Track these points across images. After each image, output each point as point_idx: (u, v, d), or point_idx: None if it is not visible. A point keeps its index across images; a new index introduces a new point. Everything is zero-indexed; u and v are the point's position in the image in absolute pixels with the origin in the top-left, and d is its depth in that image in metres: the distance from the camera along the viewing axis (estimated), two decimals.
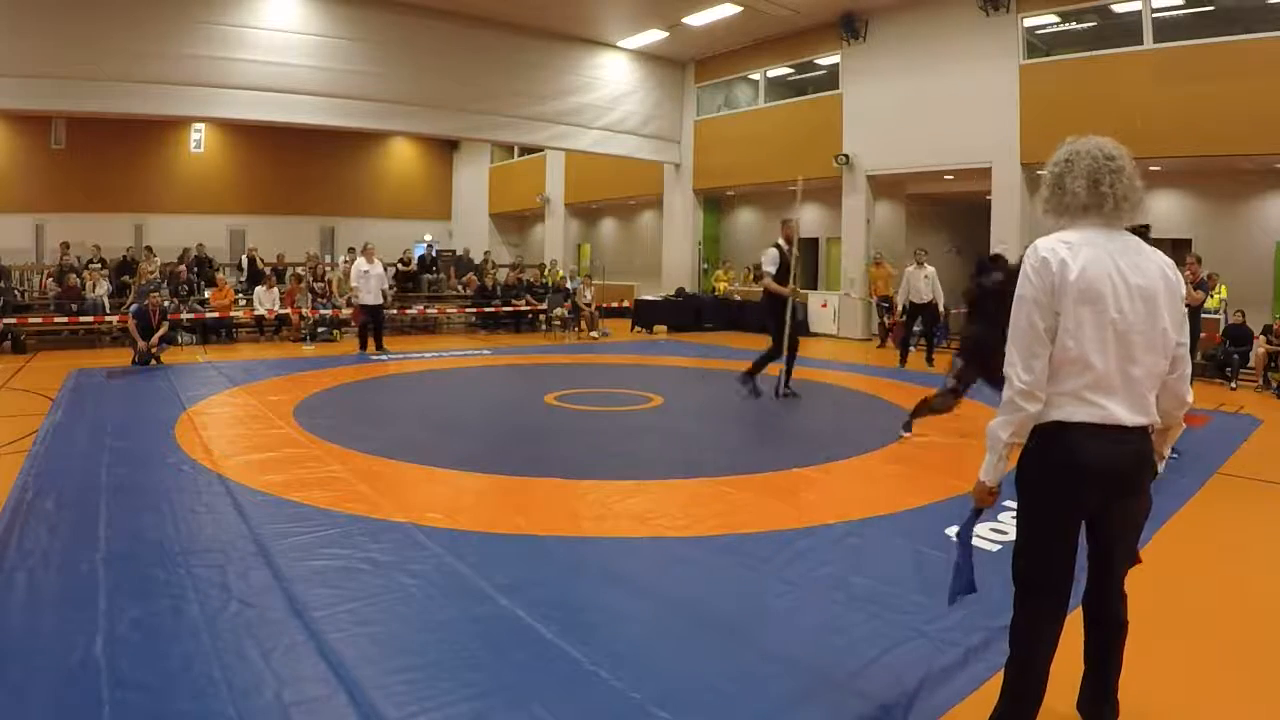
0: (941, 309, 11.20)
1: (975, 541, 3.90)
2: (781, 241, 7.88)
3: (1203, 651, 2.94)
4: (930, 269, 10.97)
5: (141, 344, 10.06)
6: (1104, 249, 1.99)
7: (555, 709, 2.43)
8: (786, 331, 7.75)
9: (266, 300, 13.59)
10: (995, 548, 3.89)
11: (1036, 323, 1.99)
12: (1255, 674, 2.79)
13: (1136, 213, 2.03)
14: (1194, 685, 2.70)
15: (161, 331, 10.39)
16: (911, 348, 11.16)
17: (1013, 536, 2.79)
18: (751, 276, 16.76)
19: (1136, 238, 2.05)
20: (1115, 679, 2.24)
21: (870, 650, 2.83)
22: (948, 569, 3.58)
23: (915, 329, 11.28)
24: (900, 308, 11.37)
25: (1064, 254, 1.98)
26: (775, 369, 8.01)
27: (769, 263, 7.82)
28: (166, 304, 11.40)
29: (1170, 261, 2.06)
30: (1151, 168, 12.39)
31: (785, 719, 2.44)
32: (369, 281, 11.78)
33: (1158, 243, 2.34)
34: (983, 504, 2.20)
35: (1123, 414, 1.98)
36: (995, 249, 5.93)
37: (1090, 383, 1.97)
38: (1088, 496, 2.02)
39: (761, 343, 8.12)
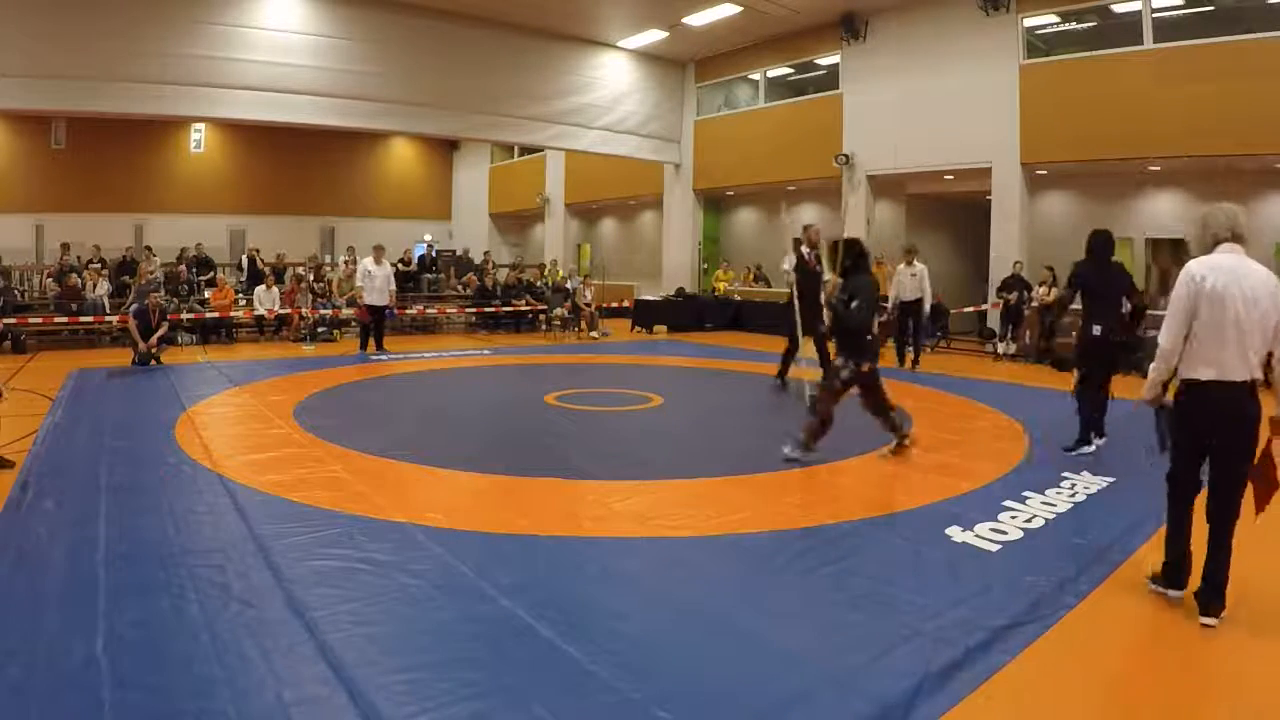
0: (928, 307, 11.05)
1: (976, 542, 3.96)
2: (804, 247, 8.17)
3: (1202, 651, 2.93)
4: (920, 266, 10.84)
5: (142, 344, 10.05)
6: (1230, 270, 3.11)
7: (555, 709, 2.43)
8: (799, 328, 8.11)
9: (266, 300, 13.59)
10: (995, 548, 3.89)
11: (1180, 312, 3.14)
12: (1254, 678, 2.79)
13: (1247, 242, 3.23)
14: (1192, 687, 2.70)
15: (161, 331, 10.40)
16: (909, 347, 11.12)
17: (1013, 538, 4.08)
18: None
19: (1254, 263, 3.14)
20: (1221, 561, 3.13)
21: (870, 650, 2.83)
22: (947, 569, 3.63)
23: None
24: (891, 306, 11.31)
25: (1204, 272, 3.13)
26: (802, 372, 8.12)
27: (785, 263, 8.25)
28: (166, 304, 11.40)
29: (1276, 280, 3.11)
30: (1151, 168, 12.41)
31: (785, 719, 2.44)
32: (374, 281, 11.81)
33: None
34: (1156, 403, 3.36)
35: (1232, 373, 3.08)
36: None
37: (1215, 353, 3.09)
38: (1207, 424, 3.14)
39: (759, 343, 8.17)
